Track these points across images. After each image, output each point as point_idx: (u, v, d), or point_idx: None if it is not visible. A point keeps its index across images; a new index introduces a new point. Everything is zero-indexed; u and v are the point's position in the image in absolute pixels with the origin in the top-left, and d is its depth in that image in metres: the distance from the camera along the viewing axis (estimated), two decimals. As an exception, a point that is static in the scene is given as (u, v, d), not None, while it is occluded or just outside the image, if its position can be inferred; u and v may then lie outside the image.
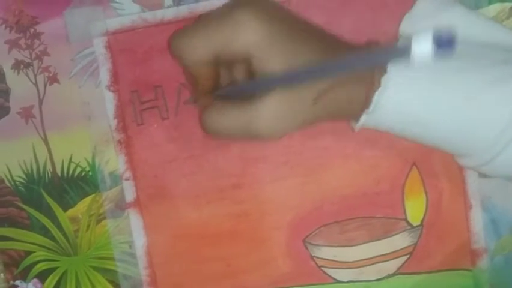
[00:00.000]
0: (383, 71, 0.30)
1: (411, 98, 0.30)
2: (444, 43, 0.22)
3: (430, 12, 0.33)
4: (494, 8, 0.40)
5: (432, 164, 0.42)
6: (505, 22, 0.40)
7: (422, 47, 0.22)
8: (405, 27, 0.33)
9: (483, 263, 0.42)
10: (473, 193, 0.41)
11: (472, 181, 0.41)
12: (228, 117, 0.32)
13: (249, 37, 0.30)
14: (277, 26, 0.30)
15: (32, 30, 0.41)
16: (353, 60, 0.27)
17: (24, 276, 0.44)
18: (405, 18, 0.33)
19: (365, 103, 0.31)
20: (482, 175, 0.41)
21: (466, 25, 0.33)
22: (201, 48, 0.32)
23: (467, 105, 0.30)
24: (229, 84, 0.35)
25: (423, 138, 0.32)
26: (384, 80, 0.30)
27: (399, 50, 0.23)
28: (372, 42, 0.33)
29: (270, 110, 0.30)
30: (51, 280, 0.44)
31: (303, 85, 0.30)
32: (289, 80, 0.30)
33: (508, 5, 0.40)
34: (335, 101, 0.31)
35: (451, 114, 0.30)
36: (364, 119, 0.31)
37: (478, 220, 0.42)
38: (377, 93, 0.30)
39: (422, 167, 0.41)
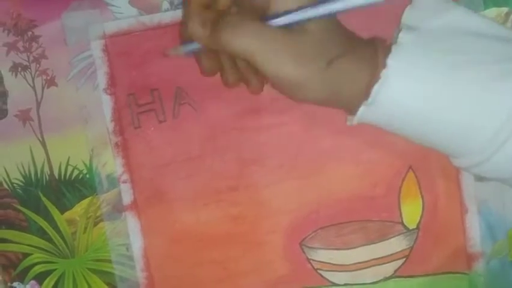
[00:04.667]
0: (385, 64, 0.30)
1: (412, 91, 0.30)
2: None
3: (432, 5, 0.33)
4: (490, 13, 0.40)
5: (429, 168, 0.42)
6: (501, 26, 0.40)
7: None
8: (406, 18, 0.33)
9: (479, 266, 0.42)
10: (469, 197, 0.41)
11: (468, 185, 0.41)
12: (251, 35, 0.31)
13: None
14: None
15: (29, 33, 0.41)
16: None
17: (22, 278, 0.44)
18: (408, 9, 0.33)
19: (365, 94, 0.31)
20: (478, 179, 0.41)
21: (469, 22, 0.33)
22: None
23: (467, 101, 0.30)
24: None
25: (421, 134, 0.32)
26: (384, 72, 0.30)
27: None
28: (374, 38, 0.33)
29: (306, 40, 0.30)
30: (49, 282, 0.44)
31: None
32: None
33: (503, 9, 0.40)
34: (344, 71, 0.31)
35: (450, 110, 0.30)
36: (362, 111, 0.31)
37: (474, 224, 0.42)
38: (377, 84, 0.30)
39: (419, 171, 0.42)
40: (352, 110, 0.33)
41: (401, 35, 0.31)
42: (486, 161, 0.31)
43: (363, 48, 0.32)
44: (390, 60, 0.30)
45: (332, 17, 0.32)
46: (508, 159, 0.31)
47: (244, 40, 0.31)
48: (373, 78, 0.30)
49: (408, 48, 0.31)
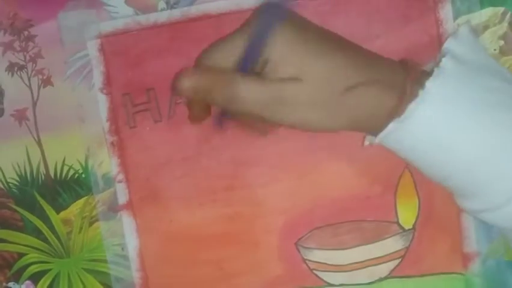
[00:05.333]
0: (419, 84, 0.29)
1: (446, 117, 0.30)
2: None
3: (473, 42, 0.33)
4: (486, 13, 0.40)
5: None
6: (497, 26, 0.40)
7: None
8: (450, 45, 0.32)
9: (475, 266, 0.42)
10: (465, 197, 0.41)
11: (464, 185, 0.41)
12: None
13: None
14: (296, 35, 0.30)
15: (26, 32, 0.41)
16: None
17: (17, 278, 0.44)
18: (451, 38, 0.32)
19: (395, 112, 0.30)
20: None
21: (501, 70, 0.32)
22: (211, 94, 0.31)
23: (497, 142, 0.30)
24: None
25: (441, 165, 0.31)
26: (423, 93, 0.29)
27: None
28: (407, 60, 0.32)
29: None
30: (44, 282, 0.44)
31: None
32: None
33: (499, 9, 0.40)
34: (364, 99, 0.30)
35: (479, 146, 0.30)
36: (391, 128, 0.30)
37: (470, 224, 0.42)
38: (413, 103, 0.29)
39: (414, 170, 0.41)
40: (373, 132, 0.32)
41: (444, 60, 0.30)
42: (496, 209, 0.30)
43: (390, 74, 0.31)
44: (430, 83, 0.29)
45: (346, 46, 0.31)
46: None
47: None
48: (401, 101, 0.29)
49: (449, 75, 0.30)
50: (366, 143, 0.33)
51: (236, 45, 0.31)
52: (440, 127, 0.30)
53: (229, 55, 0.31)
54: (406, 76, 0.31)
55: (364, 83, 0.30)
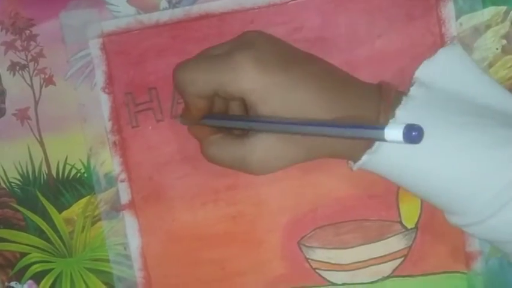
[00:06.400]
0: (390, 116, 0.30)
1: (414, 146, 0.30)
2: (412, 137, 0.25)
3: (450, 65, 0.33)
4: (488, 12, 0.40)
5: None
6: (499, 25, 0.40)
7: (394, 134, 0.26)
8: (421, 72, 0.33)
9: (478, 265, 0.42)
10: (468, 196, 0.41)
11: (467, 184, 0.41)
12: (224, 151, 0.34)
13: (245, 83, 0.31)
14: (274, 72, 0.31)
15: (27, 32, 0.41)
16: (334, 129, 0.29)
17: (19, 277, 0.44)
18: (424, 63, 0.33)
19: (367, 144, 0.31)
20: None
21: (481, 86, 0.33)
22: (200, 84, 0.33)
23: (469, 162, 0.30)
24: (220, 116, 0.36)
25: (419, 188, 0.32)
26: (393, 121, 0.30)
27: (375, 131, 0.27)
28: (383, 84, 0.33)
29: (262, 149, 0.32)
30: (47, 281, 0.44)
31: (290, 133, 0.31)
32: (276, 129, 0.31)
33: (502, 8, 0.40)
34: (332, 144, 0.31)
35: (452, 169, 0.31)
36: (365, 159, 0.31)
37: (472, 223, 0.42)
38: None
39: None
40: (354, 158, 0.33)
41: (413, 88, 0.31)
42: (480, 223, 0.31)
43: (363, 102, 0.32)
44: (399, 111, 0.30)
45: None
46: (503, 224, 0.31)
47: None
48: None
49: (418, 102, 0.31)
50: (349, 166, 0.34)
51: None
52: (413, 153, 0.31)
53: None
54: (380, 102, 0.31)
55: (337, 119, 0.31)
